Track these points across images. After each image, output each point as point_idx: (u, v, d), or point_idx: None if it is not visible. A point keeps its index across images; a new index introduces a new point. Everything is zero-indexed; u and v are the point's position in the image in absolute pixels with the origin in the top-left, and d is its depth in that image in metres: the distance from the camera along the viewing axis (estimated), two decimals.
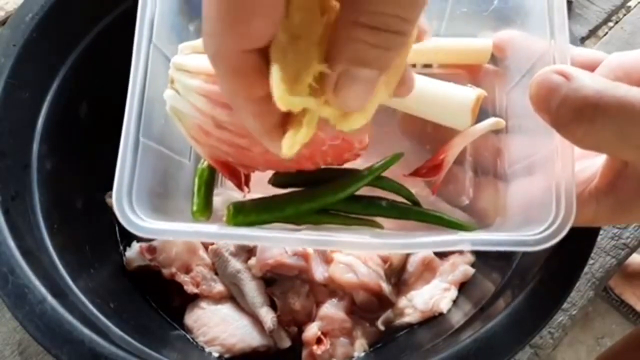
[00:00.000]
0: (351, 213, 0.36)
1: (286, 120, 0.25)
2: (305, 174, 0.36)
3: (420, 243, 0.30)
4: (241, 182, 0.36)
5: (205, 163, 0.39)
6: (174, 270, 0.56)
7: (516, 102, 0.36)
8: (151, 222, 0.31)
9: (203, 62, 0.30)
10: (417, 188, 0.38)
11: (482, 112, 0.36)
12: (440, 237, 0.31)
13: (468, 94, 0.34)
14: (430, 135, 0.38)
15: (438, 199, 0.38)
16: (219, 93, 0.30)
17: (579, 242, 0.43)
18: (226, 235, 0.32)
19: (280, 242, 0.36)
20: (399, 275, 0.57)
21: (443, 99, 0.34)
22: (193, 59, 0.31)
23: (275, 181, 0.37)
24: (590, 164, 0.33)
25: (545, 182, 0.30)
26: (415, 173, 0.37)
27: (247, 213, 0.35)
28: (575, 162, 0.30)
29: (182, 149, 0.39)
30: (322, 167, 0.36)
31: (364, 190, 0.35)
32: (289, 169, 0.35)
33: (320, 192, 0.35)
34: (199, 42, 0.32)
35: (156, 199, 0.33)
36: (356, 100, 0.24)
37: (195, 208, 0.39)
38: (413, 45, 0.32)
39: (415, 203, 0.36)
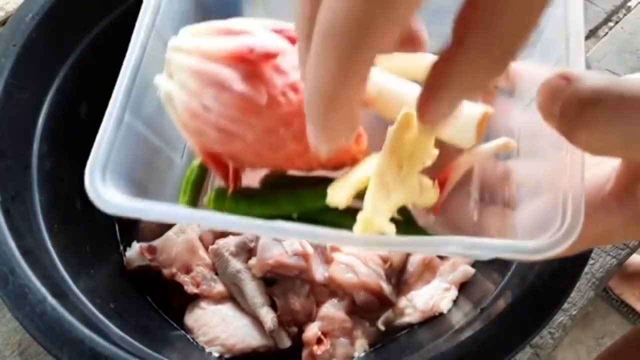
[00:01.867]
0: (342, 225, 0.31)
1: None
2: (298, 179, 0.34)
3: (408, 241, 0.28)
4: (228, 175, 0.32)
5: (197, 161, 0.38)
6: (174, 270, 0.56)
7: (528, 124, 0.35)
8: (119, 198, 0.28)
9: (200, 42, 0.30)
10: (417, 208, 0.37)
11: (493, 137, 0.35)
12: (430, 237, 0.29)
13: (474, 109, 0.33)
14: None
15: (438, 221, 0.36)
16: (212, 72, 0.29)
17: None
18: (200, 218, 0.29)
19: (256, 230, 0.32)
20: (399, 275, 0.57)
21: None
22: (191, 40, 0.30)
23: (267, 182, 0.35)
24: (601, 170, 0.29)
25: (552, 196, 0.27)
26: None
27: (234, 201, 0.31)
28: (584, 170, 0.27)
29: (175, 144, 0.38)
30: (316, 171, 0.33)
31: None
32: (280, 167, 0.33)
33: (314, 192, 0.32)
34: (200, 26, 0.31)
35: (136, 188, 0.32)
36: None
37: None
38: (414, 59, 0.32)
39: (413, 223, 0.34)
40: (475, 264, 0.57)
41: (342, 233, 0.28)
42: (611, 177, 0.28)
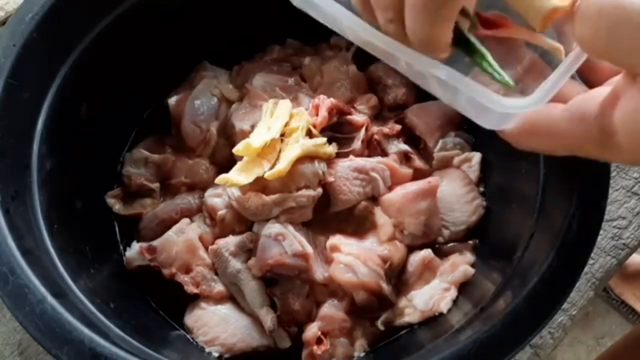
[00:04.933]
0: None
1: None
2: None
3: (409, 52, 0.33)
4: None
5: None
6: (174, 270, 0.56)
7: None
8: None
9: None
10: None
11: None
12: (427, 58, 0.33)
13: (546, 2, 0.33)
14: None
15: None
16: None
17: (579, 242, 0.43)
18: None
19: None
20: (399, 275, 0.57)
21: None
22: None
23: None
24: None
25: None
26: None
27: None
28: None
29: None
30: None
31: None
32: None
33: None
34: None
35: None
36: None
37: None
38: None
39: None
40: (475, 264, 0.57)
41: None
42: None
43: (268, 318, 0.53)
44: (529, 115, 0.32)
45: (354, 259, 0.53)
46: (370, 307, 0.54)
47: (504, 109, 0.31)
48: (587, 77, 0.35)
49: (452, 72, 0.32)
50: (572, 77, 0.33)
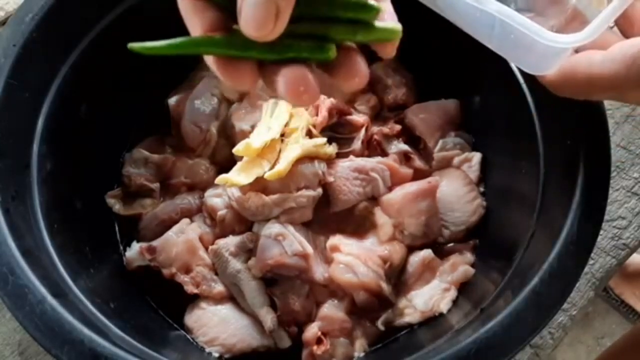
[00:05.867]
0: None
1: None
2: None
3: None
4: None
5: None
6: (174, 270, 0.56)
7: None
8: None
9: None
10: None
11: None
12: None
13: None
14: None
15: None
16: None
17: (579, 242, 0.43)
18: None
19: None
20: (399, 276, 0.57)
21: None
22: None
23: None
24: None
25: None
26: None
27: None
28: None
29: None
30: None
31: None
32: None
33: None
34: None
35: None
36: (253, 21, 0.26)
37: None
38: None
39: None
40: (475, 264, 0.57)
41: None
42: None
43: (268, 318, 0.53)
44: (569, 60, 0.33)
45: (354, 259, 0.53)
46: (370, 307, 0.54)
47: (557, 44, 0.31)
48: (625, 28, 0.36)
49: (503, 8, 0.32)
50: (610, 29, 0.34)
